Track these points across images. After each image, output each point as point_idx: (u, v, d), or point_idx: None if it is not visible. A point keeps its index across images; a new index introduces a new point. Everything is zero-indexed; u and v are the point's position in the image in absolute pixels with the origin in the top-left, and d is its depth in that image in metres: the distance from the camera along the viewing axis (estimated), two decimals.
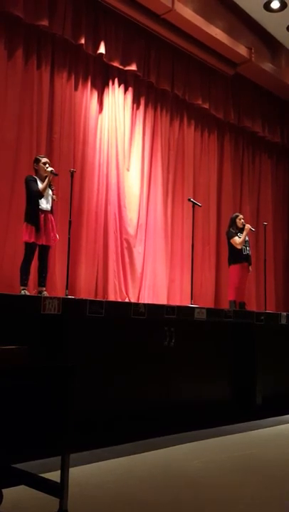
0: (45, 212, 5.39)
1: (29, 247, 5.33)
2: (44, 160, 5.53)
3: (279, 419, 6.02)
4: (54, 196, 5.56)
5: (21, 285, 5.25)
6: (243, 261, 7.11)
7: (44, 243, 5.39)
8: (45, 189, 5.38)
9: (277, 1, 8.15)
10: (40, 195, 5.35)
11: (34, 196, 5.34)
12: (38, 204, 5.34)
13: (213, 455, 4.31)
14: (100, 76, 7.27)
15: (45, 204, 5.40)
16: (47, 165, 5.49)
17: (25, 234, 5.29)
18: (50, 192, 5.50)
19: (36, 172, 5.51)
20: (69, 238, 5.59)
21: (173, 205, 8.10)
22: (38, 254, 5.43)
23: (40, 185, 5.38)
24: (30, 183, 5.39)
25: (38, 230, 5.29)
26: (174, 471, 3.81)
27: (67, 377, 2.69)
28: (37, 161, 5.55)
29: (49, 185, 5.49)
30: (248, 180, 9.55)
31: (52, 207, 5.52)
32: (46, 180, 5.41)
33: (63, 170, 6.08)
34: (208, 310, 5.78)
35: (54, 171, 5.48)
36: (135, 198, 7.51)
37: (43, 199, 5.38)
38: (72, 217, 5.67)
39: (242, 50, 8.39)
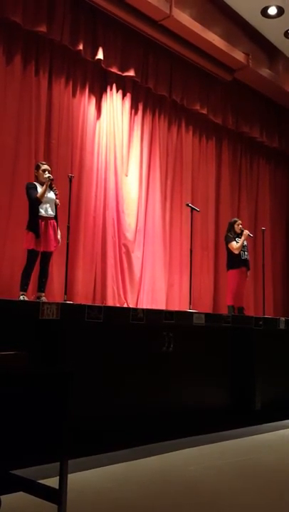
0: (45, 218, 5.39)
1: (31, 254, 5.34)
2: (44, 167, 5.53)
3: (278, 424, 6.01)
4: (57, 201, 5.56)
5: (21, 290, 5.26)
6: (241, 266, 7.11)
7: (44, 250, 5.39)
8: (43, 195, 5.37)
9: (274, 7, 8.17)
10: (38, 201, 5.35)
11: (33, 203, 5.35)
12: (37, 211, 5.34)
13: (212, 461, 4.29)
14: (98, 82, 7.29)
15: (45, 210, 5.39)
16: (46, 172, 5.50)
17: (26, 241, 5.32)
18: (53, 197, 5.50)
19: (36, 178, 5.54)
20: (67, 243, 5.59)
21: (171, 210, 8.11)
22: (39, 260, 5.43)
23: (38, 192, 5.39)
24: (29, 190, 5.41)
25: (37, 236, 5.30)
26: (172, 477, 3.80)
27: (66, 383, 2.69)
28: (37, 167, 5.58)
29: (53, 190, 5.50)
30: (246, 185, 9.57)
31: (56, 212, 5.52)
32: (44, 186, 5.42)
33: (61, 175, 6.10)
34: (207, 315, 5.77)
35: (51, 177, 5.48)
36: (133, 203, 7.52)
37: (43, 205, 5.37)
38: (70, 223, 5.68)
39: (239, 55, 8.41)
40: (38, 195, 5.36)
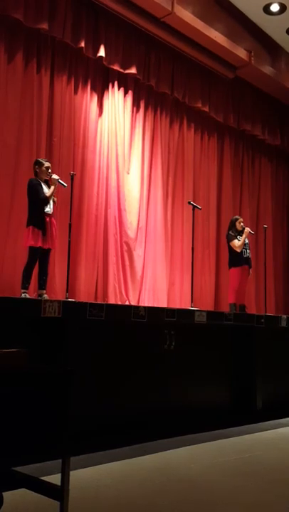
0: (49, 215, 5.39)
1: (33, 252, 5.29)
2: (47, 164, 5.52)
3: (279, 422, 6.00)
4: (55, 199, 5.56)
5: (22, 288, 5.24)
6: (243, 264, 7.10)
7: (50, 247, 5.39)
8: (51, 196, 5.38)
9: (276, 4, 8.17)
10: (47, 201, 5.34)
11: (40, 202, 5.33)
12: (43, 208, 5.34)
13: (212, 458, 4.30)
14: (100, 79, 7.28)
15: (48, 208, 5.40)
16: (50, 170, 5.49)
17: (31, 238, 5.24)
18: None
19: (36, 174, 5.49)
20: (69, 241, 5.59)
21: (173, 208, 8.11)
22: (39, 257, 5.42)
23: (47, 192, 5.38)
24: (35, 187, 5.36)
25: (44, 234, 5.28)
26: (173, 475, 3.80)
27: (67, 381, 2.69)
28: (39, 164, 5.51)
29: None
30: (247, 183, 9.56)
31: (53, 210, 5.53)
32: (52, 188, 5.40)
33: (63, 173, 6.09)
34: (209, 313, 5.77)
35: (61, 181, 5.46)
36: (135, 201, 7.52)
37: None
38: (72, 221, 5.68)
39: (241, 53, 8.40)
40: (48, 195, 5.35)
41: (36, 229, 5.25)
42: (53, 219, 5.46)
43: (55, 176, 5.47)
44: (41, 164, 5.51)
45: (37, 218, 5.29)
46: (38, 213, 5.30)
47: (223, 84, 8.80)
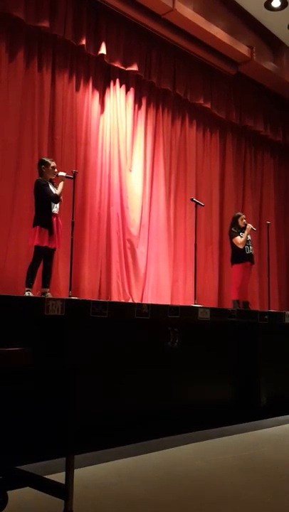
0: (56, 215, 5.39)
1: (39, 251, 5.29)
2: (53, 164, 5.51)
3: (283, 418, 6.00)
4: (61, 197, 5.56)
5: (26, 286, 5.24)
6: (245, 260, 7.10)
7: (55, 247, 5.39)
8: (61, 194, 5.38)
9: (278, 0, 8.14)
10: (58, 199, 5.34)
11: (51, 201, 5.31)
12: (51, 208, 5.33)
13: (216, 455, 4.30)
14: (101, 77, 7.27)
15: (55, 207, 5.39)
16: (56, 169, 5.49)
17: (37, 238, 5.23)
18: None
19: (42, 174, 5.47)
20: (72, 239, 5.59)
21: (175, 205, 8.10)
22: (44, 256, 5.41)
23: (57, 191, 5.38)
24: (44, 187, 5.35)
25: (51, 233, 5.28)
26: (177, 472, 3.81)
27: (70, 379, 2.69)
28: (45, 163, 5.48)
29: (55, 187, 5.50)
30: (250, 179, 9.54)
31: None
32: (61, 185, 5.41)
33: (65, 171, 6.07)
34: (212, 310, 5.77)
35: (67, 175, 5.46)
36: (138, 198, 7.52)
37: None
38: (74, 219, 5.68)
39: (243, 49, 8.38)
40: (58, 193, 5.36)
41: (43, 229, 5.25)
42: (59, 219, 5.45)
43: (62, 173, 5.47)
44: (47, 164, 5.48)
45: (44, 218, 5.29)
46: (45, 213, 5.30)
47: (225, 81, 8.78)
